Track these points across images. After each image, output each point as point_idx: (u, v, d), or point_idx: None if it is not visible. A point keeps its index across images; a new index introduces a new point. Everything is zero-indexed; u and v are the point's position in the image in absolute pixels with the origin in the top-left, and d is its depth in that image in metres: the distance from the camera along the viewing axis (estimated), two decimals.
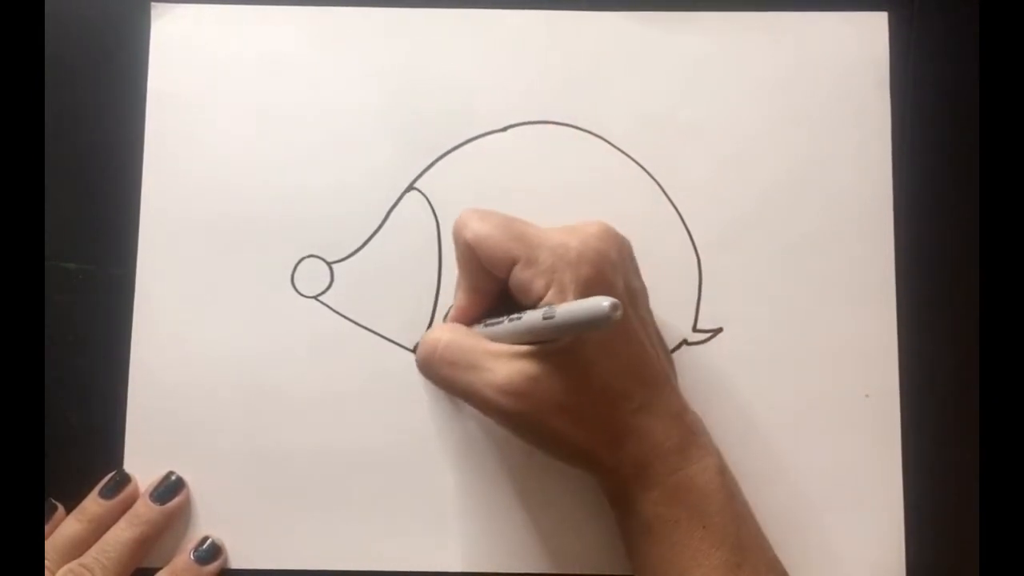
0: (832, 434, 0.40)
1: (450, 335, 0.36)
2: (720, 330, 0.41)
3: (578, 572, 0.40)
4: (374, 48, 0.42)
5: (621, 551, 0.39)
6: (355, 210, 0.41)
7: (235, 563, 0.40)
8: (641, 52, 0.42)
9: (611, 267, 0.34)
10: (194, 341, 0.41)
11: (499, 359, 0.34)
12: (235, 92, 0.42)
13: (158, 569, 0.39)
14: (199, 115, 0.42)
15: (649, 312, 0.37)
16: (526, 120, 0.42)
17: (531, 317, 0.33)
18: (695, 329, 0.41)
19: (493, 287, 0.36)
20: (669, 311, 0.40)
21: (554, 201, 0.41)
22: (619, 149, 0.42)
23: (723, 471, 0.35)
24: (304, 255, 0.41)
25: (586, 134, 0.42)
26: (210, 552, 0.39)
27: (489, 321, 0.36)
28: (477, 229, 0.34)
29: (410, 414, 0.40)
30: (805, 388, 0.41)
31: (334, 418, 0.40)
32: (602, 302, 0.29)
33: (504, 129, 0.42)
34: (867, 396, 0.40)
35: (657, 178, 0.42)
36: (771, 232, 0.41)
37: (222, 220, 0.41)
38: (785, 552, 0.35)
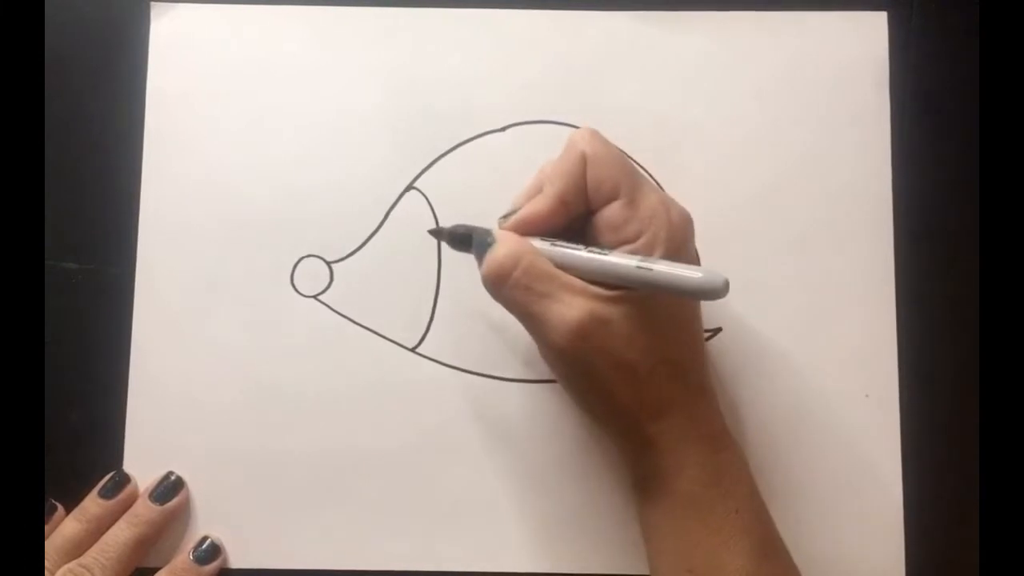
0: (832, 434, 0.40)
1: (530, 257, 0.33)
2: (720, 330, 0.41)
3: (579, 572, 0.40)
4: (374, 48, 0.42)
5: (623, 551, 0.39)
6: (355, 210, 0.41)
7: (235, 563, 0.40)
8: (641, 52, 0.42)
9: (692, 245, 0.34)
10: (194, 341, 0.41)
11: (575, 294, 0.32)
12: (235, 92, 0.42)
13: (158, 569, 0.39)
14: (199, 115, 0.42)
15: None
16: (526, 120, 0.42)
17: (621, 260, 0.31)
18: None
19: (579, 209, 0.34)
20: None
21: None
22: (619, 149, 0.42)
23: (747, 461, 0.35)
24: (304, 255, 0.41)
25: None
26: (209, 552, 0.39)
27: (560, 243, 0.33)
28: (597, 148, 0.34)
29: (410, 413, 0.40)
30: (805, 388, 0.41)
31: (334, 417, 0.40)
32: (714, 276, 0.29)
33: (503, 129, 0.42)
34: (867, 396, 0.40)
35: (657, 178, 0.42)
36: (771, 232, 0.41)
37: (222, 220, 0.41)
38: None
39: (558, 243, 0.33)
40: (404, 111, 0.42)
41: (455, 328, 0.41)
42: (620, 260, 0.32)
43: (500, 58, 0.42)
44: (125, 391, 0.40)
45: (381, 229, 0.41)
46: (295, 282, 0.41)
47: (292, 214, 0.41)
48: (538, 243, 0.34)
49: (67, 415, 0.40)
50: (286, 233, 0.41)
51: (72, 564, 0.37)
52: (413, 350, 0.41)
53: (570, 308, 0.32)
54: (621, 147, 0.41)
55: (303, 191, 0.42)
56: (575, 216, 0.34)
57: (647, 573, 0.36)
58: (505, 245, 0.33)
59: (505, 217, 0.35)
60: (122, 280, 0.41)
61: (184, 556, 0.39)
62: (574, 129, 0.41)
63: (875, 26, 0.43)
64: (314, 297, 0.41)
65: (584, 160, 0.33)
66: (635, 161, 0.42)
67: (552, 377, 0.40)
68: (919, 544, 0.40)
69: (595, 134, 0.34)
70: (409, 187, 0.42)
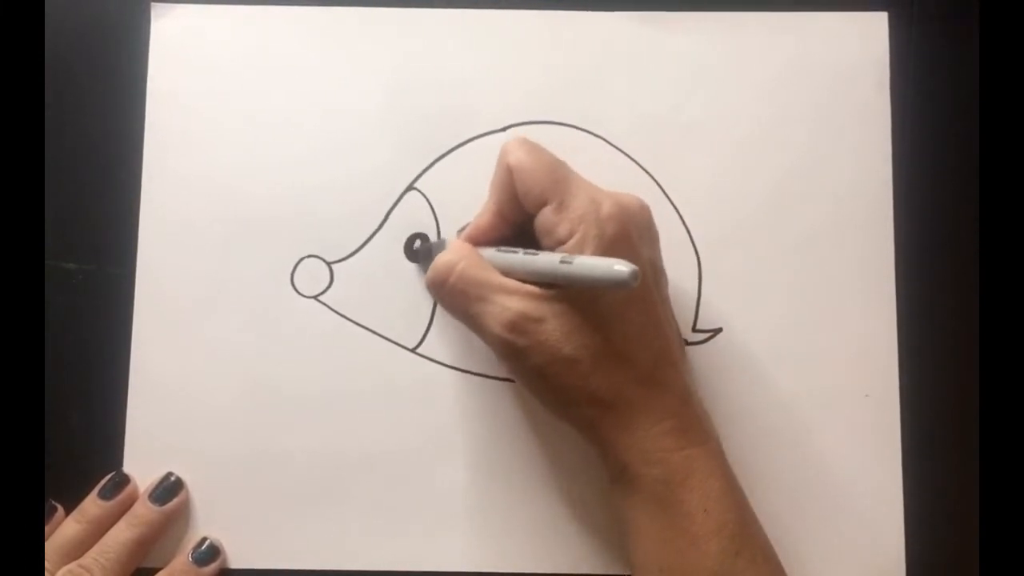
0: (832, 434, 0.40)
1: (464, 264, 0.35)
2: (720, 330, 0.41)
3: (578, 572, 0.40)
4: (374, 48, 0.42)
5: (622, 551, 0.39)
6: (355, 210, 0.41)
7: (234, 563, 0.40)
8: (641, 52, 0.42)
9: (638, 235, 0.34)
10: (194, 341, 0.41)
11: (509, 295, 0.33)
12: (235, 92, 0.42)
13: (157, 570, 0.39)
14: (199, 115, 0.42)
15: (667, 297, 0.37)
16: (526, 120, 0.42)
17: (547, 258, 0.33)
18: (695, 329, 0.41)
19: (518, 217, 0.35)
20: None
21: None
22: (619, 149, 0.42)
23: (724, 458, 0.35)
24: (304, 255, 0.41)
25: (586, 134, 0.42)
26: (208, 553, 0.39)
27: (503, 248, 0.35)
28: (522, 158, 0.34)
29: (410, 414, 0.40)
30: (805, 388, 0.41)
31: (334, 418, 0.40)
32: (623, 266, 0.30)
33: (504, 129, 0.42)
34: (867, 396, 0.40)
35: (657, 178, 0.42)
36: (771, 232, 0.41)
37: (222, 220, 0.41)
38: (785, 552, 0.35)
39: (503, 249, 0.35)
40: (404, 111, 0.42)
41: (455, 328, 0.41)
42: (546, 258, 0.33)
43: (500, 58, 0.42)
44: (125, 391, 0.40)
45: (381, 229, 0.41)
46: (295, 282, 0.41)
47: (292, 214, 0.41)
48: (487, 251, 0.35)
49: (67, 415, 0.40)
50: (286, 233, 0.41)
51: (72, 565, 0.37)
52: (413, 350, 0.41)
53: (502, 308, 0.33)
54: (621, 147, 0.42)
55: (303, 191, 0.42)
56: (519, 222, 0.36)
57: None
58: (445, 254, 0.35)
59: (461, 230, 0.38)
60: (122, 280, 0.41)
61: (183, 557, 0.39)
62: (574, 131, 0.42)
63: (875, 26, 0.43)
64: (314, 297, 0.41)
65: (511, 172, 0.34)
66: (635, 161, 0.42)
67: None
68: (919, 544, 0.40)
69: (522, 144, 0.35)
70: (409, 187, 0.42)
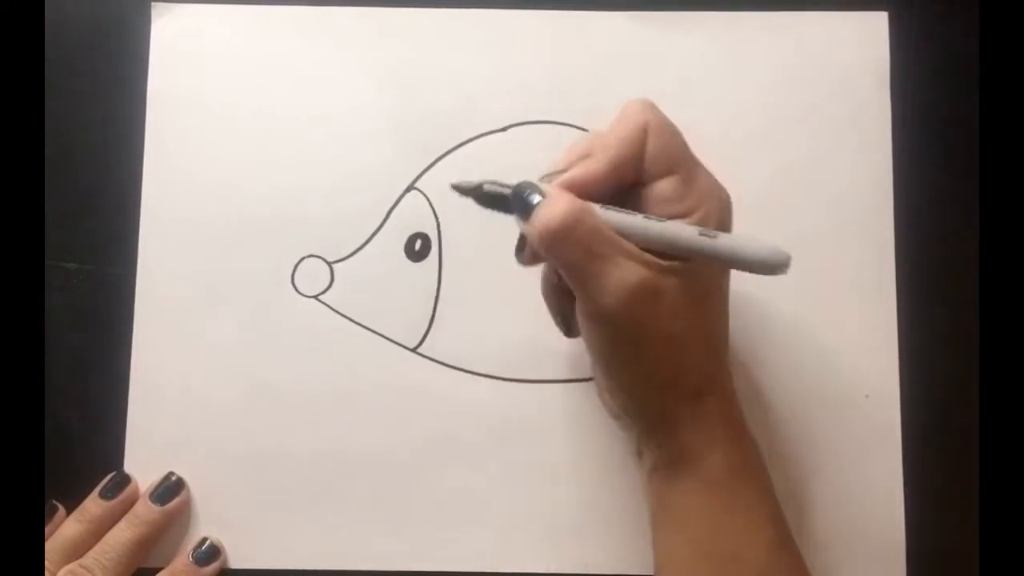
0: (832, 434, 0.40)
1: (592, 217, 0.31)
2: None
3: (578, 572, 0.40)
4: (374, 48, 0.42)
5: (622, 552, 0.39)
6: (355, 210, 0.41)
7: (235, 563, 0.40)
8: (641, 52, 0.42)
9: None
10: (194, 341, 0.41)
11: (633, 260, 0.31)
12: (235, 92, 0.42)
13: (158, 570, 0.39)
14: (199, 115, 0.42)
15: None
16: (526, 120, 0.42)
17: (682, 228, 0.31)
18: None
19: (627, 176, 0.33)
20: None
21: None
22: None
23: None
24: (304, 255, 0.41)
25: (586, 134, 0.42)
26: (209, 553, 0.39)
27: (618, 209, 0.32)
28: (661, 119, 0.33)
29: (410, 413, 0.40)
30: (805, 388, 0.41)
31: (334, 417, 0.40)
32: (780, 250, 0.29)
33: (504, 129, 0.42)
34: (867, 396, 0.40)
35: None
36: (771, 232, 0.41)
37: (222, 220, 0.41)
38: None
39: (619, 209, 0.32)
40: (405, 111, 0.42)
41: (456, 328, 0.41)
42: (680, 227, 0.31)
43: (500, 58, 0.42)
44: (126, 391, 0.40)
45: (382, 229, 0.41)
46: (296, 282, 0.41)
47: (293, 214, 0.41)
48: (594, 208, 0.32)
49: (67, 415, 0.40)
50: (287, 233, 0.41)
51: (73, 565, 0.37)
52: (414, 350, 0.41)
53: (628, 272, 0.31)
54: None
55: (304, 191, 0.42)
56: (622, 185, 0.33)
57: (644, 573, 0.36)
58: (564, 201, 0.31)
59: (548, 177, 0.33)
60: (122, 280, 0.41)
61: (184, 557, 0.39)
62: (574, 130, 0.42)
63: (876, 26, 0.43)
64: (315, 297, 0.41)
65: (645, 130, 0.32)
66: None
67: (554, 377, 0.40)
68: (920, 544, 0.40)
69: (655, 105, 0.33)
70: (410, 187, 0.42)
